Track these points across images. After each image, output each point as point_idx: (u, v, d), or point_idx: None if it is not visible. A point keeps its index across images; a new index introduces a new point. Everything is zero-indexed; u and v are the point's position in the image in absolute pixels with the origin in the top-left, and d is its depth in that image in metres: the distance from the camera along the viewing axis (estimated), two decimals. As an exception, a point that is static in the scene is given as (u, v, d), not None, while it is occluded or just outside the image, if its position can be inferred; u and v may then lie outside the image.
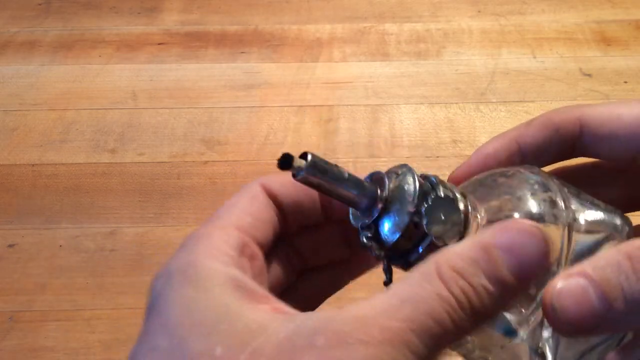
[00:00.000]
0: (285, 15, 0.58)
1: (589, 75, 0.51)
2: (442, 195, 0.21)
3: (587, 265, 0.20)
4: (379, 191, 0.21)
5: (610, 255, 0.20)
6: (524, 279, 0.19)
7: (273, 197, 0.23)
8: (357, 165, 0.43)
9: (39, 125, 0.47)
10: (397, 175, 0.22)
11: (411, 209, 0.20)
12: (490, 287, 0.18)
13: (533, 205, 0.23)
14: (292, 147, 0.44)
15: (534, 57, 0.53)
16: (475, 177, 0.26)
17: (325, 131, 0.46)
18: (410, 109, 0.48)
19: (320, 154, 0.42)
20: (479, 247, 0.19)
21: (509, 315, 0.23)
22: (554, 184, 0.24)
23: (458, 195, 0.21)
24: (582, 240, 0.22)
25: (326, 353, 0.17)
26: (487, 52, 0.53)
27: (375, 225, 0.21)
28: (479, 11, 0.59)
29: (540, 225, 0.19)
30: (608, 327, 0.20)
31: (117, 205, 0.41)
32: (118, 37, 0.56)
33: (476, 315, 0.18)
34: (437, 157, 0.43)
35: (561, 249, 0.22)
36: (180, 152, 0.44)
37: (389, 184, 0.21)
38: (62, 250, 0.38)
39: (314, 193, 0.23)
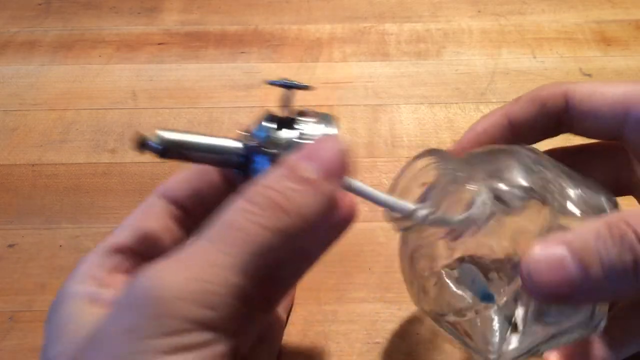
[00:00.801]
0: (285, 15, 0.58)
1: (589, 75, 0.51)
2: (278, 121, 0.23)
3: (566, 233, 0.20)
4: (241, 144, 0.23)
5: (590, 225, 0.20)
6: (328, 174, 0.21)
7: (173, 200, 0.25)
8: (357, 165, 0.43)
9: (39, 125, 0.47)
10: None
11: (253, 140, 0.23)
12: (296, 187, 0.20)
13: (524, 178, 0.23)
14: (292, 147, 0.44)
15: (534, 57, 0.53)
16: (473, 150, 0.27)
17: (325, 131, 0.46)
18: (410, 109, 0.48)
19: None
20: (283, 165, 0.21)
21: (486, 282, 0.24)
22: (547, 162, 0.25)
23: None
24: (567, 221, 0.23)
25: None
26: (487, 52, 0.53)
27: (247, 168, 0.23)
28: (479, 11, 0.59)
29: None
30: (585, 295, 0.20)
31: (117, 205, 0.41)
32: (118, 37, 0.56)
33: (294, 212, 0.20)
34: (437, 157, 0.43)
35: (544, 227, 0.22)
36: (180, 152, 0.44)
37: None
38: (62, 250, 0.38)
39: (209, 175, 0.25)
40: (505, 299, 0.25)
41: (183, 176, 0.26)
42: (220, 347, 0.19)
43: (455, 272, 0.25)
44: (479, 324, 0.26)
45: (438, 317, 0.27)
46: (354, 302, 0.35)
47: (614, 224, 0.20)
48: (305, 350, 0.33)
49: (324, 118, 0.24)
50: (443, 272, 0.26)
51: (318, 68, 0.52)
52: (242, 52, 0.54)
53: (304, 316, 0.34)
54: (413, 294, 0.28)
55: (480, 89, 0.49)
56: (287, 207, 0.20)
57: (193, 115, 0.47)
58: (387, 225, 0.39)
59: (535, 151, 0.26)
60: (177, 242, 0.25)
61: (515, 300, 0.25)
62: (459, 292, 0.25)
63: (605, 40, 0.54)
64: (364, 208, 0.40)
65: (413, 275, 0.27)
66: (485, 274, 0.25)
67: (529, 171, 0.24)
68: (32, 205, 0.41)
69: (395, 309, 0.35)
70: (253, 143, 0.23)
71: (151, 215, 0.25)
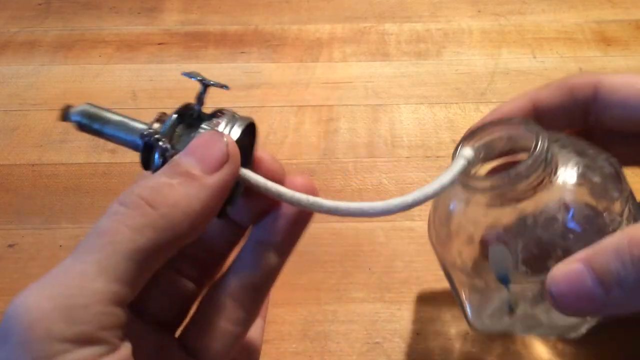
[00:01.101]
0: (285, 15, 0.58)
1: (589, 75, 0.51)
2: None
3: (588, 250, 0.20)
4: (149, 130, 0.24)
5: (612, 240, 0.20)
6: (211, 166, 0.21)
7: None
8: (357, 165, 0.43)
9: (39, 125, 0.47)
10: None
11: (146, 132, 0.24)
12: (172, 181, 0.20)
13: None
14: (292, 147, 0.44)
15: (534, 57, 0.53)
16: None
17: (325, 131, 0.46)
18: (410, 109, 0.48)
19: (320, 154, 0.43)
20: (167, 166, 0.21)
21: (510, 269, 0.25)
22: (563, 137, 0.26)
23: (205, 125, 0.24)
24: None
25: None
26: (487, 52, 0.53)
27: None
28: (479, 11, 0.59)
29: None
30: (611, 310, 0.20)
31: (117, 205, 0.41)
32: (118, 37, 0.56)
33: (167, 204, 0.20)
34: (437, 157, 0.43)
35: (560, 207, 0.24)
36: (180, 152, 0.44)
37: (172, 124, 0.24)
38: (62, 250, 0.38)
39: None
40: (517, 290, 0.26)
41: None
42: (114, 356, 0.18)
43: (489, 248, 0.26)
44: (480, 292, 0.28)
45: (451, 268, 0.28)
46: (354, 302, 0.35)
47: (635, 241, 0.19)
48: (305, 350, 0.33)
49: (236, 119, 0.24)
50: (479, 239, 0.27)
51: (318, 68, 0.52)
52: (242, 52, 0.54)
53: (304, 316, 0.34)
54: (439, 237, 0.29)
55: (480, 89, 0.49)
56: (156, 202, 0.20)
57: (193, 115, 0.47)
58: (387, 225, 0.39)
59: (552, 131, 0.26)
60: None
61: (525, 295, 0.26)
62: (483, 262, 0.27)
63: (605, 40, 0.54)
64: (364, 208, 0.40)
65: (447, 223, 0.28)
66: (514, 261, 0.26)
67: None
68: (32, 205, 0.41)
69: (395, 309, 0.35)
70: (151, 132, 0.24)
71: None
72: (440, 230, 0.28)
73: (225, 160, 0.21)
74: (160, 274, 0.22)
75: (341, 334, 0.33)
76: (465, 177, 0.25)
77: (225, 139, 0.22)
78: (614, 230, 0.23)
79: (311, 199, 0.24)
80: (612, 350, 0.32)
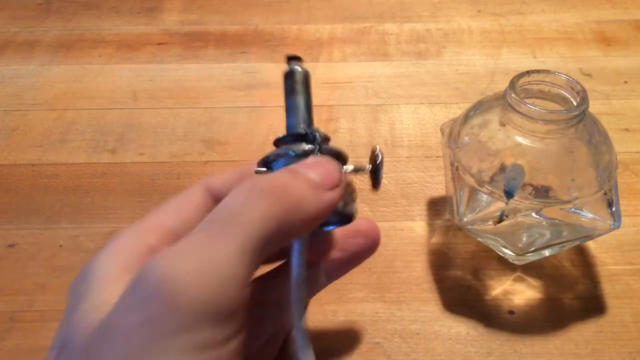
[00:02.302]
0: (285, 15, 0.58)
1: (589, 75, 0.51)
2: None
3: None
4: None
5: None
6: (326, 182, 0.22)
7: (214, 194, 0.25)
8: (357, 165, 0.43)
9: (39, 125, 0.47)
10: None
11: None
12: (298, 183, 0.22)
13: None
14: (292, 147, 0.44)
15: (534, 57, 0.53)
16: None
17: (325, 131, 0.45)
18: (410, 109, 0.48)
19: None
20: (290, 172, 0.22)
21: (519, 187, 0.31)
22: None
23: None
24: None
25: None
26: (487, 52, 0.53)
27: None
28: (479, 11, 0.59)
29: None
30: None
31: (117, 205, 0.41)
32: (118, 37, 0.56)
33: (294, 203, 0.21)
34: (437, 157, 0.43)
35: None
36: (180, 152, 0.44)
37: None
38: (62, 250, 0.38)
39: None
40: (513, 206, 0.31)
41: (229, 174, 0.26)
42: (234, 344, 0.19)
43: (510, 165, 0.31)
44: (479, 197, 0.33)
45: (462, 171, 0.33)
46: (354, 302, 0.35)
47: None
48: (305, 350, 0.33)
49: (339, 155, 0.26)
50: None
51: (318, 68, 0.52)
52: (242, 52, 0.54)
53: (304, 316, 0.34)
54: (463, 141, 0.33)
55: (480, 89, 0.49)
56: (283, 196, 0.21)
57: (193, 115, 0.47)
58: (387, 225, 0.39)
59: None
60: None
61: (517, 212, 0.32)
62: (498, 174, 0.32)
63: (605, 40, 0.54)
64: (364, 208, 0.40)
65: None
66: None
67: None
68: (32, 205, 0.41)
69: (395, 309, 0.35)
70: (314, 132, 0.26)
71: (190, 205, 0.25)
72: (469, 139, 0.33)
73: (339, 185, 0.23)
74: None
75: (341, 334, 0.33)
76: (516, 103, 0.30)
77: (341, 169, 0.24)
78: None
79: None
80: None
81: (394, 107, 0.48)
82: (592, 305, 0.34)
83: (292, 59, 0.26)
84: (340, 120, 0.47)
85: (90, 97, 0.50)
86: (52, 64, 0.53)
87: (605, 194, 0.32)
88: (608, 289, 0.35)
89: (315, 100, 0.49)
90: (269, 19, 0.58)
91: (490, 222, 0.33)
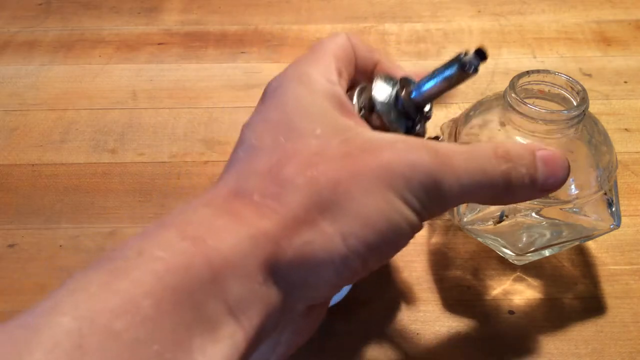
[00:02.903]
0: (285, 15, 0.58)
1: (589, 75, 0.51)
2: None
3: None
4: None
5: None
6: (546, 186, 0.23)
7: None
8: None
9: (39, 125, 0.47)
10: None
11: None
12: (526, 178, 0.23)
13: None
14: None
15: (534, 57, 0.53)
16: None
17: (325, 131, 0.46)
18: (410, 109, 0.48)
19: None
20: (526, 149, 0.23)
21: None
22: None
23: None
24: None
25: (402, 154, 0.21)
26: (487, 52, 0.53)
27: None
28: (479, 11, 0.59)
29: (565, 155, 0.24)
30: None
31: (117, 205, 0.41)
32: (118, 37, 0.56)
33: (508, 191, 0.23)
34: (437, 157, 0.43)
35: None
36: (180, 152, 0.44)
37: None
38: (62, 250, 0.38)
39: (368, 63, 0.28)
40: (514, 206, 0.32)
41: (364, 44, 0.28)
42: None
43: None
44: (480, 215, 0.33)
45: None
46: (354, 302, 0.35)
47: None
48: (305, 350, 0.33)
49: None
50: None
51: (318, 68, 0.52)
52: (242, 52, 0.54)
53: (304, 316, 0.34)
54: (463, 142, 0.34)
55: (480, 89, 0.49)
56: (510, 179, 0.23)
57: (193, 115, 0.47)
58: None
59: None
60: (351, 75, 0.27)
61: (517, 213, 0.32)
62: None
63: (605, 40, 0.54)
64: (364, 208, 0.40)
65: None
66: None
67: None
68: (32, 205, 0.41)
69: (395, 309, 0.35)
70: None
71: (346, 45, 0.26)
72: (469, 139, 0.33)
73: (553, 189, 0.24)
74: None
75: (342, 334, 0.33)
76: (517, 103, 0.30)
77: (568, 169, 0.24)
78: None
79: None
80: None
81: (394, 107, 0.48)
82: (592, 305, 0.34)
83: (482, 56, 0.24)
84: (340, 120, 0.47)
85: (90, 97, 0.50)
86: (52, 64, 0.53)
87: (605, 194, 0.32)
88: (608, 289, 0.35)
89: (315, 100, 0.49)
90: (269, 19, 0.58)
91: (490, 222, 0.33)
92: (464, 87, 0.49)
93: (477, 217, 0.34)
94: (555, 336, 0.33)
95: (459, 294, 0.35)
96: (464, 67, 0.23)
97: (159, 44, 0.55)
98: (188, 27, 0.57)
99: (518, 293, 0.35)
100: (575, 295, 0.35)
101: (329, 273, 0.20)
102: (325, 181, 0.21)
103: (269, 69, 0.52)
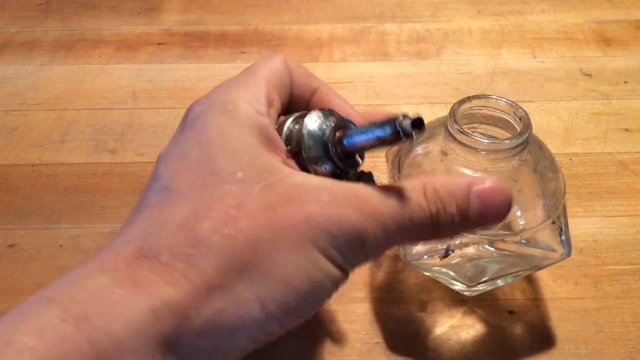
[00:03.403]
0: (285, 15, 0.58)
1: (589, 75, 0.51)
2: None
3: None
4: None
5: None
6: (481, 222, 0.23)
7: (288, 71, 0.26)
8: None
9: (39, 125, 0.47)
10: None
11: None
12: (456, 217, 0.22)
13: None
14: (292, 147, 0.44)
15: (534, 57, 0.53)
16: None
17: (325, 131, 0.46)
18: (410, 109, 0.48)
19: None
20: (460, 185, 0.23)
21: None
22: None
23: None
24: None
25: (328, 208, 0.20)
26: (487, 52, 0.53)
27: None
28: (479, 11, 0.59)
29: (503, 187, 0.23)
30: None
31: (117, 205, 0.41)
32: (118, 37, 0.56)
33: (437, 230, 0.22)
34: (437, 157, 0.43)
35: None
36: (180, 152, 0.44)
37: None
38: (62, 250, 0.38)
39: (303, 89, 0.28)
40: (460, 241, 0.31)
41: (299, 66, 0.28)
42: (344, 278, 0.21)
43: None
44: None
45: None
46: (354, 302, 0.35)
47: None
48: (305, 350, 0.33)
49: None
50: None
51: (318, 68, 0.52)
52: (242, 52, 0.54)
53: (304, 316, 0.34)
54: (404, 174, 0.33)
55: (480, 89, 0.49)
56: (438, 219, 0.22)
57: (193, 115, 0.47)
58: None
59: None
60: (285, 101, 0.26)
61: (463, 247, 0.31)
62: None
63: (605, 40, 0.54)
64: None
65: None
66: None
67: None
68: (32, 205, 0.41)
69: (395, 309, 0.35)
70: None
71: (282, 69, 0.26)
72: (411, 170, 0.32)
73: (493, 224, 0.24)
74: None
75: (341, 334, 0.33)
76: (457, 133, 0.29)
77: (509, 202, 0.23)
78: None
79: None
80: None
81: (394, 107, 0.48)
82: (591, 305, 0.34)
83: (418, 126, 0.22)
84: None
85: (90, 97, 0.50)
86: (52, 64, 0.53)
87: (554, 222, 0.31)
88: (608, 289, 0.35)
89: (315, 100, 0.49)
90: (269, 19, 0.58)
91: (437, 257, 0.32)
92: (464, 88, 0.49)
93: (422, 250, 0.32)
94: (555, 336, 0.33)
95: (459, 294, 0.35)
96: (397, 133, 0.22)
97: (159, 44, 0.55)
98: (188, 27, 0.57)
99: (518, 293, 0.35)
100: (576, 295, 0.35)
101: (243, 340, 0.19)
102: (244, 241, 0.19)
103: (269, 69, 0.52)
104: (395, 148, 0.35)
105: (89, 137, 0.46)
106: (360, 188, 0.21)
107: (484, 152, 0.29)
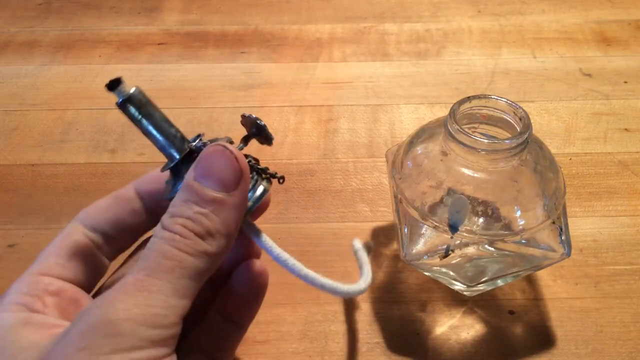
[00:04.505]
0: (285, 15, 0.58)
1: (589, 75, 0.51)
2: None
3: None
4: (184, 147, 0.24)
5: None
6: (230, 187, 0.23)
7: (92, 226, 0.27)
8: (357, 165, 0.43)
9: (39, 125, 0.47)
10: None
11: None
12: (202, 210, 0.22)
13: None
14: (292, 147, 0.44)
15: (534, 57, 0.53)
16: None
17: (325, 131, 0.46)
18: (410, 109, 0.48)
19: (320, 154, 0.43)
20: (184, 188, 0.23)
21: (465, 220, 0.30)
22: None
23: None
24: None
25: None
26: (487, 52, 0.53)
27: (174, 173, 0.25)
28: (479, 11, 0.59)
29: (227, 144, 0.23)
30: None
31: (117, 205, 0.41)
32: (118, 37, 0.56)
33: (210, 233, 0.22)
34: (437, 157, 0.43)
35: None
36: (180, 152, 0.44)
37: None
38: (62, 250, 0.38)
39: (130, 204, 0.28)
40: (460, 241, 0.30)
41: (104, 203, 0.28)
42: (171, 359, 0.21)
43: (453, 197, 0.30)
44: (425, 232, 0.32)
45: (406, 203, 0.32)
46: (354, 302, 0.35)
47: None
48: (305, 350, 0.33)
49: (261, 178, 0.26)
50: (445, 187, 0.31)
51: (318, 68, 0.52)
52: (242, 52, 0.54)
53: (304, 316, 0.34)
54: (405, 173, 0.33)
55: (480, 89, 0.49)
56: (202, 231, 0.22)
57: (193, 115, 0.47)
58: (388, 225, 0.39)
59: None
60: (97, 267, 0.26)
61: (462, 246, 0.31)
62: (441, 207, 0.31)
63: (605, 40, 0.54)
64: (364, 208, 0.40)
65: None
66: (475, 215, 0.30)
67: None
68: (32, 205, 0.41)
69: (395, 309, 0.35)
70: (196, 144, 0.24)
71: (70, 242, 0.26)
72: (411, 169, 0.32)
73: (241, 176, 0.23)
74: None
75: (341, 334, 0.33)
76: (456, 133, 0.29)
77: (233, 154, 0.23)
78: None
79: (296, 265, 0.25)
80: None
81: (394, 107, 0.48)
82: (592, 305, 0.34)
83: (115, 83, 0.23)
84: (340, 120, 0.47)
85: (90, 97, 0.50)
86: (52, 64, 0.53)
87: (554, 222, 0.31)
88: (608, 289, 0.35)
89: (315, 100, 0.50)
90: (269, 19, 0.58)
91: (437, 257, 0.32)
92: (464, 88, 0.49)
93: (422, 250, 0.32)
94: (555, 336, 0.33)
95: (460, 294, 0.35)
96: (128, 102, 0.23)
97: (159, 44, 0.55)
98: (188, 27, 0.57)
99: (518, 293, 0.35)
100: (575, 295, 0.35)
101: None
102: None
103: (269, 69, 0.52)
104: (395, 148, 0.35)
105: (89, 137, 0.46)
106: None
107: (484, 152, 0.29)
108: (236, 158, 0.23)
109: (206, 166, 0.23)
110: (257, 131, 0.26)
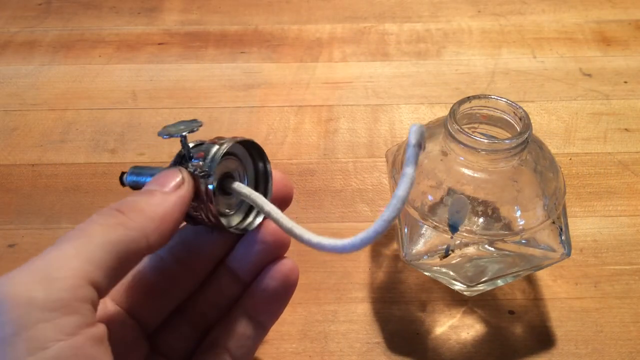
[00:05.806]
0: (285, 15, 0.58)
1: (589, 75, 0.51)
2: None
3: None
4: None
5: None
6: (166, 188, 0.26)
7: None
8: (357, 165, 0.43)
9: (39, 125, 0.47)
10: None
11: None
12: (138, 197, 0.25)
13: None
14: (292, 147, 0.44)
15: (534, 57, 0.53)
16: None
17: (325, 131, 0.46)
18: (410, 109, 0.48)
19: (320, 154, 0.43)
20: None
21: (465, 220, 0.30)
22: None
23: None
24: None
25: None
26: (487, 52, 0.53)
27: None
28: (479, 11, 0.59)
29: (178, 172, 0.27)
30: None
31: (117, 205, 0.41)
32: (118, 37, 0.56)
33: (135, 211, 0.24)
34: (437, 157, 0.43)
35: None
36: (180, 152, 0.44)
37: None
38: (62, 250, 0.38)
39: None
40: (460, 241, 0.30)
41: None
42: (85, 335, 0.20)
43: (453, 197, 0.30)
44: (425, 232, 0.32)
45: (406, 203, 0.31)
46: (354, 302, 0.35)
47: None
48: (305, 350, 0.33)
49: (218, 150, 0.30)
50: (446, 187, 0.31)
51: (318, 68, 0.52)
52: (242, 52, 0.54)
53: (304, 316, 0.34)
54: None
55: (480, 89, 0.49)
56: (124, 208, 0.24)
57: (193, 115, 0.47)
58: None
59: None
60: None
61: (462, 246, 0.31)
62: (441, 207, 0.31)
63: (605, 40, 0.54)
64: (364, 208, 0.40)
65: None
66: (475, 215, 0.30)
67: None
68: (32, 205, 0.41)
69: (395, 309, 0.35)
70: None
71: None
72: None
73: (182, 184, 0.26)
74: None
75: (341, 334, 0.33)
76: (456, 133, 0.29)
77: (180, 172, 0.27)
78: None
79: (295, 226, 0.26)
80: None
81: (393, 107, 0.48)
82: (592, 304, 0.34)
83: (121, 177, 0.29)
84: (340, 120, 0.47)
85: (90, 97, 0.50)
86: (52, 64, 0.53)
87: (554, 222, 0.31)
88: (608, 289, 0.35)
89: (315, 100, 0.50)
90: (269, 19, 0.58)
91: (437, 257, 0.32)
92: (464, 88, 0.50)
93: (422, 250, 0.32)
94: (555, 336, 0.33)
95: (460, 294, 0.35)
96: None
97: (159, 44, 0.55)
98: (188, 27, 0.57)
99: (518, 293, 0.35)
100: (575, 296, 0.35)
101: None
102: None
103: (269, 69, 0.52)
104: (395, 148, 0.35)
105: (89, 137, 0.46)
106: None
107: (484, 152, 0.29)
108: (180, 172, 0.27)
109: (155, 176, 0.27)
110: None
